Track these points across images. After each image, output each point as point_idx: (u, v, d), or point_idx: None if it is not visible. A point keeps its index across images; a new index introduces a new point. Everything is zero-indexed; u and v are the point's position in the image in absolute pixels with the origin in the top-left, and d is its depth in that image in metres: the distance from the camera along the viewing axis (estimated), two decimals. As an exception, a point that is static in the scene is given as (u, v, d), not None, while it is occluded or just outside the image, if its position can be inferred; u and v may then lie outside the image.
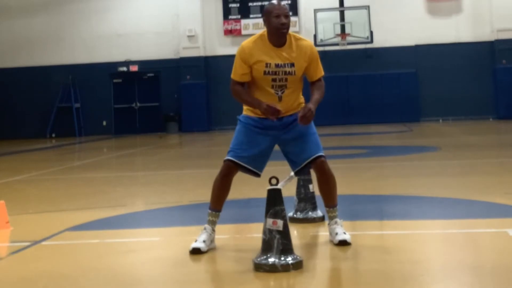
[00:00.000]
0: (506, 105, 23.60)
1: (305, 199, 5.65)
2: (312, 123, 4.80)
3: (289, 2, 24.61)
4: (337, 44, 23.87)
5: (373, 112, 24.47)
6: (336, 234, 4.73)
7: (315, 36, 23.48)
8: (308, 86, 4.80)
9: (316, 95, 4.68)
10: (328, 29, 23.77)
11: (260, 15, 22.21)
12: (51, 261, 4.70)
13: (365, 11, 23.64)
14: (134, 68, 25.69)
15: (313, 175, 4.93)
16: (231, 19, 25.11)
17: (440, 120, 24.09)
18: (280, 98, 4.64)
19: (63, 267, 4.51)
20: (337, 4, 24.35)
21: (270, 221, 4.09)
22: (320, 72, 4.76)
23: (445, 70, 24.29)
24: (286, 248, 4.08)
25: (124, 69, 25.73)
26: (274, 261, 4.04)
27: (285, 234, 4.08)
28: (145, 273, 4.34)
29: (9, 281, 4.21)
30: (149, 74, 25.73)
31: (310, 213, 5.63)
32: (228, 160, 4.69)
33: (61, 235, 5.61)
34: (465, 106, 24.08)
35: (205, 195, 5.11)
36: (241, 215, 6.32)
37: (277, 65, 4.62)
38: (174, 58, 25.35)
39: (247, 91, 4.72)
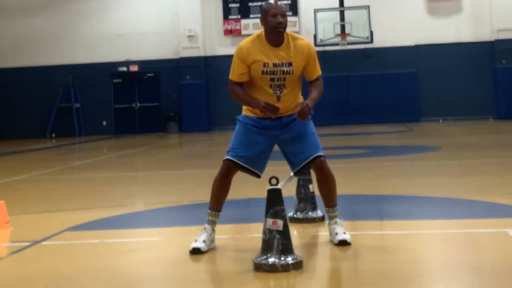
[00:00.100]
0: (506, 105, 23.59)
1: (305, 199, 5.65)
2: (311, 123, 4.80)
3: (289, 2, 24.62)
4: (337, 44, 23.87)
5: (373, 112, 24.47)
6: (336, 234, 4.73)
7: (315, 36, 23.48)
8: (307, 87, 4.80)
9: (314, 93, 4.68)
10: (328, 29, 23.77)
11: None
12: (51, 261, 4.70)
13: (365, 11, 23.64)
14: (134, 68, 25.69)
15: (313, 175, 4.93)
16: (231, 19, 25.11)
17: (440, 120, 24.09)
18: (278, 98, 4.64)
19: (63, 267, 4.51)
20: (337, 4, 24.35)
21: (270, 221, 4.09)
22: (318, 71, 4.77)
23: (445, 70, 24.28)
24: (286, 248, 4.08)
25: (124, 69, 25.73)
26: (274, 261, 4.04)
27: (285, 234, 4.08)
28: (145, 273, 4.34)
29: (9, 281, 4.21)
30: (149, 74, 25.73)
31: (310, 213, 5.63)
32: (228, 159, 4.69)
33: (61, 235, 5.61)
34: (465, 106, 24.08)
35: (205, 195, 5.11)
36: (241, 215, 6.32)
37: (275, 65, 4.62)
38: (174, 58, 25.35)
39: (245, 91, 4.72)
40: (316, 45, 22.88)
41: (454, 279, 3.88)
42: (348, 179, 8.37)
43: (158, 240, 5.41)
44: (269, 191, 4.13)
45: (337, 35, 23.72)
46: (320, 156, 4.69)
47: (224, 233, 5.19)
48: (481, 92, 24.07)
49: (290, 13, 24.34)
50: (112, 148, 19.47)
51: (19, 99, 25.76)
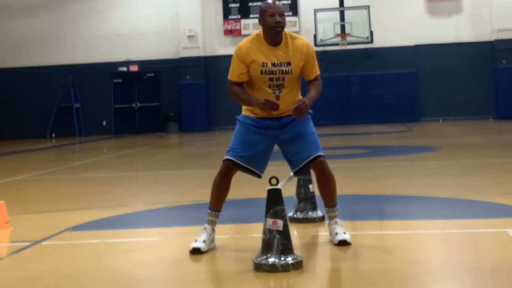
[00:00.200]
0: (506, 105, 23.59)
1: (305, 199, 5.65)
2: (311, 123, 4.80)
3: (289, 2, 24.62)
4: (337, 44, 23.88)
5: (373, 112, 24.47)
6: (336, 234, 4.73)
7: (315, 36, 23.48)
8: (307, 87, 4.80)
9: (312, 92, 4.69)
10: (328, 29, 23.77)
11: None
12: (51, 261, 4.70)
13: (365, 11, 23.65)
14: (134, 68, 25.69)
15: (313, 175, 4.93)
16: (231, 19, 25.11)
17: (440, 120, 24.09)
18: (277, 98, 4.64)
19: (63, 267, 4.51)
20: (337, 4, 24.36)
21: (270, 221, 4.09)
22: (317, 70, 4.77)
23: (445, 70, 24.28)
24: (286, 248, 4.08)
25: (124, 69, 25.73)
26: (274, 261, 4.04)
27: (285, 234, 4.08)
28: (145, 273, 4.34)
29: (9, 281, 4.21)
30: (149, 74, 25.73)
31: (310, 213, 5.63)
32: (227, 159, 4.69)
33: (61, 235, 5.61)
34: (465, 106, 24.08)
35: (205, 195, 5.11)
36: (241, 215, 6.32)
37: (273, 64, 4.62)
38: (174, 58, 25.35)
39: (244, 90, 4.72)
40: (316, 45, 22.90)
41: (454, 279, 3.88)
42: (348, 179, 8.37)
43: (158, 240, 5.41)
44: (269, 191, 4.13)
45: (337, 35, 23.72)
46: (320, 156, 4.69)
47: (224, 233, 5.19)
48: (481, 92, 24.07)
49: (290, 13, 24.36)
50: (112, 148, 19.47)
51: (19, 99, 25.77)
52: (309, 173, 5.44)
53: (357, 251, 4.55)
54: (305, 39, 4.82)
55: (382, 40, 24.32)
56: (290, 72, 4.64)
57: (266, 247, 4.09)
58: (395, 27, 24.40)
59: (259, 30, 4.76)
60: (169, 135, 24.21)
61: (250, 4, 24.91)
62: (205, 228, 4.70)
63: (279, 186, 4.14)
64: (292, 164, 4.78)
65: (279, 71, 4.63)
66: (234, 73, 4.69)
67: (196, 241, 4.64)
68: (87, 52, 25.75)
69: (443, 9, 24.48)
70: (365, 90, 24.67)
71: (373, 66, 24.67)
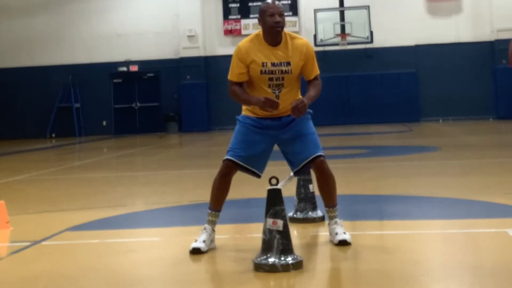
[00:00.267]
0: (506, 105, 23.59)
1: (305, 199, 5.65)
2: (311, 123, 4.80)
3: (289, 2, 24.62)
4: (337, 44, 23.88)
5: (373, 112, 24.47)
6: (336, 234, 4.73)
7: (315, 36, 23.48)
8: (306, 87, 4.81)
9: (312, 92, 4.69)
10: (328, 29, 23.78)
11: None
12: (51, 261, 4.70)
13: (365, 11, 23.65)
14: (134, 68, 25.68)
15: (313, 175, 4.93)
16: (231, 19, 25.11)
17: (440, 120, 24.09)
18: (277, 97, 4.64)
19: (63, 267, 4.51)
20: (337, 4, 24.36)
21: (270, 221, 4.09)
22: (316, 70, 4.77)
23: (445, 70, 24.28)
24: (286, 248, 4.08)
25: (124, 69, 25.72)
26: (274, 261, 4.04)
27: (285, 234, 4.08)
28: (145, 273, 4.34)
29: (9, 281, 4.21)
30: (149, 74, 25.73)
31: (310, 213, 5.63)
32: (227, 159, 4.69)
33: (61, 235, 5.61)
34: (465, 106, 24.08)
35: (205, 195, 5.11)
36: (241, 215, 6.32)
37: (273, 64, 4.62)
38: (174, 58, 25.35)
39: (244, 90, 4.72)
40: (316, 45, 22.90)
41: (454, 279, 3.88)
42: (348, 179, 8.37)
43: (158, 240, 5.41)
44: (269, 191, 4.13)
45: (337, 35, 23.73)
46: (320, 156, 4.69)
47: (224, 233, 5.19)
48: (481, 92, 24.07)
49: (290, 13, 24.36)
50: (112, 148, 19.47)
51: (19, 99, 25.77)
52: (309, 173, 5.44)
53: (357, 251, 4.55)
54: (305, 39, 4.82)
55: (382, 40, 24.31)
56: (289, 72, 4.64)
57: (266, 247, 4.09)
58: (395, 27, 24.40)
59: (259, 30, 4.76)
60: (169, 135, 24.22)
61: (250, 4, 24.91)
62: (205, 228, 4.70)
63: (279, 186, 4.14)
64: (292, 164, 4.78)
65: (278, 71, 4.63)
66: (234, 73, 4.69)
67: (196, 241, 4.64)
68: (87, 52, 25.75)
69: (443, 9, 24.48)
70: (365, 90, 24.67)
71: (373, 66, 24.67)
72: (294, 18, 24.54)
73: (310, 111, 4.81)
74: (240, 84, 4.71)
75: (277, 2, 4.69)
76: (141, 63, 25.63)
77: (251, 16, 24.76)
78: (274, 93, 4.65)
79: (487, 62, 24.12)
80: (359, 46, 24.24)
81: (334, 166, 5.14)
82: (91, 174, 11.03)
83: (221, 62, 23.67)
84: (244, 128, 4.75)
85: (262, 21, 4.64)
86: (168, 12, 25.29)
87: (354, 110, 24.68)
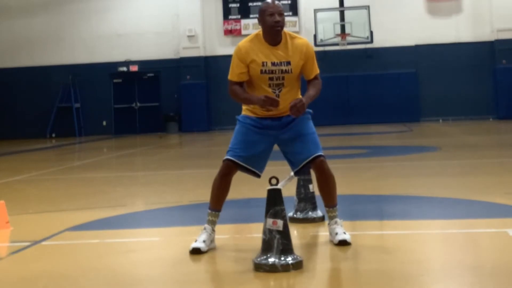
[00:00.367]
0: (506, 105, 23.59)
1: (305, 199, 5.65)
2: (311, 123, 4.80)
3: (289, 2, 24.62)
4: (337, 44, 23.88)
5: (373, 112, 24.47)
6: (336, 234, 4.73)
7: (315, 36, 23.48)
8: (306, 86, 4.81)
9: (311, 91, 4.69)
10: (328, 29, 23.77)
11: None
12: (51, 261, 4.70)
13: (365, 11, 23.65)
14: (134, 68, 25.69)
15: (313, 175, 4.93)
16: (231, 19, 25.11)
17: (440, 120, 24.09)
18: (277, 97, 4.64)
19: (63, 267, 4.51)
20: (337, 4, 24.36)
21: (270, 221, 4.09)
22: (316, 70, 4.77)
23: (445, 70, 24.28)
24: (286, 248, 4.08)
25: (124, 69, 25.73)
26: (274, 261, 4.04)
27: (285, 234, 4.08)
28: (145, 273, 4.34)
29: (9, 281, 4.21)
30: (149, 74, 25.73)
31: (310, 213, 5.63)
32: (227, 159, 4.69)
33: (61, 235, 5.61)
34: (465, 106, 24.08)
35: (205, 195, 5.11)
36: (241, 215, 6.32)
37: (273, 64, 4.62)
38: (174, 58, 25.35)
39: (244, 90, 4.72)
40: (316, 45, 22.90)
41: (454, 279, 3.88)
42: (348, 179, 8.37)
43: (158, 240, 5.41)
44: (269, 191, 4.13)
45: (337, 35, 23.72)
46: (320, 156, 4.69)
47: (224, 233, 5.19)
48: (481, 92, 24.07)
49: (290, 13, 24.35)
50: (112, 148, 19.47)
51: (19, 99, 25.77)
52: (309, 173, 5.44)
53: (357, 251, 4.55)
54: (305, 38, 4.82)
55: (382, 40, 24.31)
56: (290, 71, 4.64)
57: (266, 247, 4.09)
58: (395, 27, 24.39)
59: (259, 30, 4.76)
60: (169, 135, 24.22)
61: (250, 4, 24.91)
62: (205, 228, 4.70)
63: (279, 186, 4.14)
64: (292, 164, 4.78)
65: (279, 70, 4.63)
66: (234, 73, 4.69)
67: (196, 241, 4.64)
68: (87, 52, 25.75)
69: (443, 9, 24.48)
70: (365, 90, 24.67)
71: (373, 66, 24.67)
72: (294, 18, 24.54)
73: (310, 111, 4.81)
74: (240, 84, 4.71)
75: (277, 2, 4.69)
76: (141, 63, 25.64)
77: (251, 16, 24.76)
78: (274, 92, 4.65)
79: (487, 62, 24.12)
80: (359, 46, 24.24)
81: (334, 166, 5.14)
82: (91, 174, 11.03)
83: (221, 62, 23.67)
84: (244, 128, 4.75)
85: (262, 20, 4.65)
86: (168, 12, 25.29)
87: (354, 110, 24.68)
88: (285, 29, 4.71)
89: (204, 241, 4.62)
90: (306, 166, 4.72)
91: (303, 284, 3.96)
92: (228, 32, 25.14)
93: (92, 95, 25.60)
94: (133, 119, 25.84)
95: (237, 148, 4.70)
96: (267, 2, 4.67)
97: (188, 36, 25.04)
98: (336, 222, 4.81)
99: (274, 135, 4.74)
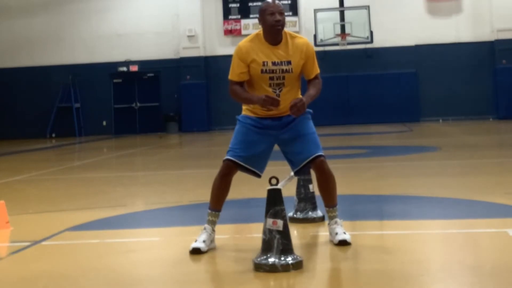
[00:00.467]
0: (506, 105, 23.59)
1: (305, 199, 5.65)
2: (311, 123, 4.80)
3: (289, 2, 24.62)
4: (337, 44, 23.87)
5: (373, 112, 24.46)
6: (336, 234, 4.73)
7: (315, 36, 23.47)
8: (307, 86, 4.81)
9: (312, 91, 4.69)
10: (328, 29, 23.77)
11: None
12: (51, 261, 4.70)
13: (365, 11, 23.64)
14: (134, 68, 25.69)
15: (313, 175, 4.93)
16: (231, 19, 25.11)
17: (440, 120, 24.09)
18: (278, 97, 4.64)
19: (63, 267, 4.51)
20: (337, 4, 24.35)
21: (270, 221, 4.09)
22: (317, 69, 4.77)
23: (445, 70, 24.28)
24: (286, 248, 4.08)
25: (124, 69, 25.73)
26: (274, 261, 4.04)
27: (285, 234, 4.08)
28: (145, 273, 4.34)
29: (9, 281, 4.21)
30: (149, 74, 25.73)
31: (310, 213, 5.63)
32: (227, 159, 4.69)
33: (61, 235, 5.61)
34: (465, 106, 24.08)
35: (205, 195, 5.11)
36: (241, 215, 6.32)
37: (274, 63, 4.63)
38: (174, 58, 25.35)
39: (245, 89, 4.72)
40: (316, 45, 22.89)
41: (454, 279, 3.88)
42: (348, 179, 8.37)
43: (158, 240, 5.41)
44: (269, 191, 4.12)
45: (337, 35, 23.72)
46: (320, 155, 4.69)
47: (224, 233, 5.19)
48: (481, 92, 24.07)
49: (290, 13, 24.35)
50: (112, 148, 19.47)
51: (19, 99, 25.76)
52: (309, 173, 5.44)
53: (357, 251, 4.55)
54: (305, 38, 4.83)
55: (382, 40, 24.31)
56: (290, 71, 4.64)
57: (266, 247, 4.09)
58: (395, 27, 24.39)
59: (259, 29, 4.76)
60: (169, 135, 24.22)
61: (250, 4, 24.91)
62: (205, 228, 4.70)
63: (279, 186, 4.14)
64: (292, 164, 4.78)
65: (279, 70, 4.63)
66: (234, 73, 4.69)
67: (196, 241, 4.64)
68: (87, 52, 25.75)
69: (443, 9, 24.48)
70: (365, 90, 24.66)
71: (373, 66, 24.67)
72: (294, 18, 24.54)
73: (311, 111, 4.81)
74: (240, 84, 4.71)
75: (277, 1, 4.69)
76: (141, 63, 25.64)
77: (251, 16, 24.76)
78: (275, 92, 4.65)
79: (487, 62, 24.11)
80: (359, 46, 24.24)
81: (334, 166, 5.14)
82: (91, 174, 11.03)
83: (221, 62, 23.68)
84: (244, 128, 4.75)
85: (262, 20, 4.65)
86: (168, 12, 25.29)
87: (354, 110, 24.68)
88: (285, 29, 4.71)
89: (204, 241, 4.62)
90: (306, 166, 4.72)
91: (303, 284, 3.96)
92: (228, 32, 25.14)
93: (92, 95, 25.60)
94: (133, 119, 25.84)
95: (237, 148, 4.70)
96: (268, 2, 4.67)
97: (188, 36, 25.04)
98: (336, 222, 4.81)
99: (274, 135, 4.74)
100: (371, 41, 23.71)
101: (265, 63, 4.62)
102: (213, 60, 24.97)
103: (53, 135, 25.74)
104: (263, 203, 4.15)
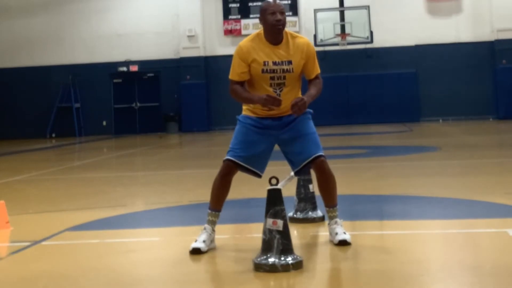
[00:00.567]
0: (506, 105, 23.59)
1: (305, 199, 5.65)
2: (311, 123, 4.80)
3: (289, 2, 24.62)
4: (337, 44, 23.87)
5: (373, 112, 24.47)
6: (336, 234, 4.72)
7: (315, 36, 23.47)
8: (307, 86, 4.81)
9: (312, 91, 4.69)
10: (328, 29, 23.77)
11: (260, 15, 22.18)
12: (51, 261, 4.70)
13: (365, 11, 23.64)
14: (134, 68, 25.69)
15: (313, 175, 4.93)
16: (231, 19, 25.11)
17: (440, 120, 24.09)
18: (278, 96, 4.64)
19: (63, 267, 4.51)
20: (337, 4, 24.35)
21: (270, 221, 4.09)
22: (317, 69, 4.77)
23: (445, 70, 24.28)
24: (286, 248, 4.08)
25: (124, 69, 25.73)
26: (274, 261, 4.04)
27: (285, 234, 4.08)
28: (145, 273, 4.34)
29: (9, 281, 4.21)
30: (149, 74, 25.73)
31: (310, 213, 5.63)
32: (228, 159, 4.69)
33: (61, 235, 5.61)
34: (465, 106, 24.08)
35: (205, 195, 5.11)
36: (241, 215, 6.32)
37: (274, 63, 4.62)
38: (174, 58, 25.35)
39: (245, 88, 4.72)
40: (316, 45, 22.87)
41: (454, 279, 3.88)
42: (348, 179, 8.36)
43: (158, 240, 5.41)
44: (269, 191, 4.12)
45: (337, 35, 23.72)
46: (320, 156, 4.69)
47: (224, 233, 5.19)
48: (481, 92, 24.07)
49: (290, 13, 24.34)
50: (112, 148, 19.47)
51: (19, 99, 25.76)
52: (309, 173, 5.43)
53: (357, 251, 4.55)
54: (306, 38, 4.83)
55: (382, 40, 24.31)
56: (291, 70, 4.64)
57: (266, 247, 4.09)
58: (395, 27, 24.39)
59: (259, 29, 4.76)
60: (169, 135, 24.22)
61: (250, 4, 24.91)
62: (205, 228, 4.70)
63: (279, 186, 4.14)
64: (292, 164, 4.78)
65: (280, 69, 4.63)
66: (235, 72, 4.69)
67: (196, 241, 4.64)
68: (87, 52, 25.75)
69: (443, 9, 24.48)
70: (365, 90, 24.67)
71: (373, 66, 24.67)
72: (294, 18, 24.54)
73: (311, 111, 4.81)
74: (241, 84, 4.71)
75: (278, 1, 4.69)
76: (141, 63, 25.64)
77: (251, 16, 24.76)
78: (276, 92, 4.65)
79: (487, 62, 24.12)
80: (359, 46, 24.24)
81: (334, 166, 5.14)
82: (91, 174, 11.03)
83: (221, 62, 23.69)
84: (245, 128, 4.75)
85: (263, 19, 4.65)
86: (168, 12, 25.29)
87: (354, 110, 24.68)
88: (286, 29, 4.72)
89: (204, 241, 4.62)
90: (307, 166, 4.72)
91: (303, 284, 3.96)
92: (228, 32, 25.14)
93: (92, 95, 25.60)
94: (133, 119, 25.84)
95: (237, 148, 4.70)
96: (268, 1, 4.68)
97: (188, 36, 25.04)
98: (336, 222, 4.81)
99: (274, 135, 4.74)
100: (371, 41, 23.71)
101: (266, 63, 4.62)
102: (213, 60, 24.98)
103: (53, 135, 25.74)
104: (263, 203, 4.15)
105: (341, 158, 11.36)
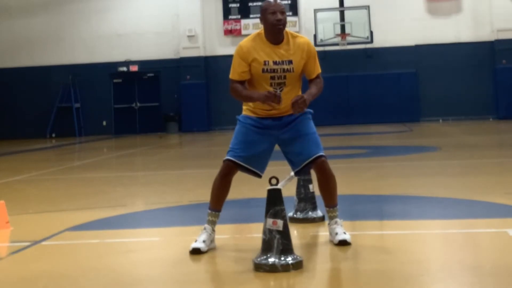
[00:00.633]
0: (506, 105, 23.60)
1: (305, 199, 5.65)
2: (312, 123, 4.80)
3: (289, 2, 24.62)
4: (337, 44, 23.87)
5: (373, 112, 24.47)
6: (336, 234, 4.72)
7: (315, 36, 23.47)
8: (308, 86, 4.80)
9: (313, 90, 4.69)
10: (328, 29, 23.76)
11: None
12: (51, 261, 4.70)
13: (365, 11, 23.64)
14: (134, 68, 25.69)
15: (313, 175, 4.93)
16: (231, 19, 25.11)
17: (440, 120, 24.09)
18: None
19: (63, 267, 4.51)
20: (337, 4, 24.35)
21: (270, 221, 4.09)
22: (318, 69, 4.77)
23: (445, 70, 24.28)
24: (286, 248, 4.08)
25: (124, 69, 25.73)
26: (274, 261, 4.04)
27: (285, 234, 4.08)
28: (145, 273, 4.34)
29: (9, 281, 4.21)
30: (149, 74, 25.73)
31: (310, 213, 5.63)
32: (228, 160, 4.69)
33: (61, 235, 5.61)
34: (465, 106, 24.08)
35: (205, 195, 5.11)
36: (241, 215, 6.32)
37: (275, 63, 4.62)
38: (174, 58, 25.35)
39: (245, 87, 4.72)
40: (316, 45, 22.87)
41: (454, 279, 3.88)
42: (348, 179, 8.36)
43: (158, 240, 5.41)
44: (269, 191, 4.12)
45: (337, 35, 23.71)
46: (321, 156, 4.68)
47: (224, 233, 5.19)
48: (481, 92, 24.07)
49: (290, 13, 24.33)
50: (112, 148, 19.47)
51: (19, 99, 25.76)
52: (309, 173, 5.43)
53: (357, 251, 4.55)
54: (306, 37, 4.83)
55: (382, 40, 24.31)
56: (291, 70, 4.64)
57: (266, 247, 4.09)
58: (395, 27, 24.40)
59: (260, 29, 4.76)
60: (169, 135, 24.22)
61: (250, 4, 24.91)
62: (205, 228, 4.70)
63: (279, 186, 4.14)
64: (293, 164, 4.78)
65: (280, 69, 4.63)
66: (235, 72, 4.69)
67: (196, 241, 4.64)
68: (87, 52, 25.75)
69: (443, 9, 24.48)
70: (365, 90, 24.67)
71: (373, 66, 24.67)
72: (294, 18, 24.54)
73: (311, 111, 4.81)
74: (241, 83, 4.71)
75: (278, 0, 4.69)
76: (141, 63, 25.64)
77: (251, 16, 24.76)
78: (276, 91, 4.65)
79: (487, 62, 24.12)
80: (359, 46, 24.23)
81: (334, 166, 5.14)
82: (91, 174, 11.03)
83: (221, 62, 23.69)
84: (245, 128, 4.74)
85: (263, 19, 4.65)
86: (168, 12, 25.29)
87: (354, 110, 24.68)
88: (286, 28, 4.72)
89: (204, 241, 4.62)
90: (307, 166, 4.72)
91: (303, 284, 3.96)
92: (228, 32, 25.14)
93: (92, 95, 25.60)
94: (133, 119, 25.85)
95: (237, 148, 4.70)
96: (269, 1, 4.68)
97: (188, 36, 25.04)
98: (336, 222, 4.81)
99: (274, 135, 4.74)
100: (371, 41, 23.70)
101: (266, 63, 4.62)
102: (213, 60, 24.98)
103: (53, 135, 25.74)
104: (263, 203, 4.15)
105: (341, 158, 11.35)
